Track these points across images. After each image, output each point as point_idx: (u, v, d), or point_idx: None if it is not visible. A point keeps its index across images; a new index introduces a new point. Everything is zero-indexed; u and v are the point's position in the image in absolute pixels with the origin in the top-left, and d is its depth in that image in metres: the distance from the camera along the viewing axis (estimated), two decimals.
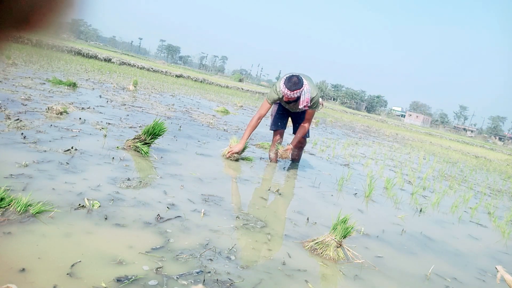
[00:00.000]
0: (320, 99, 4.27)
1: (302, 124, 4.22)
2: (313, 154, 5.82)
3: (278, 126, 4.34)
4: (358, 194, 3.82)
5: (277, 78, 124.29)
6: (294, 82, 3.74)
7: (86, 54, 20.67)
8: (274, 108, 4.38)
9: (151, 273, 1.52)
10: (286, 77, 3.81)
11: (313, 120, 12.10)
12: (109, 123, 4.50)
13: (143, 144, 3.47)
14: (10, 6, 0.29)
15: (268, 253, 1.98)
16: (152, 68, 24.31)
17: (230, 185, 3.16)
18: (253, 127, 4.00)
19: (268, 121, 9.83)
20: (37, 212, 1.78)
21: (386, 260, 2.28)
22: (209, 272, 1.62)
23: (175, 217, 2.14)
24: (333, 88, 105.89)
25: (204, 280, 1.54)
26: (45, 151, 2.85)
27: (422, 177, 6.00)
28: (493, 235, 3.57)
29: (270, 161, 4.43)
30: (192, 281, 1.52)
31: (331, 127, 12.90)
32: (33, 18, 0.31)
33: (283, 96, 3.85)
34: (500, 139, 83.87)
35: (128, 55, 53.26)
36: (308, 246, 2.15)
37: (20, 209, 1.73)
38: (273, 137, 4.39)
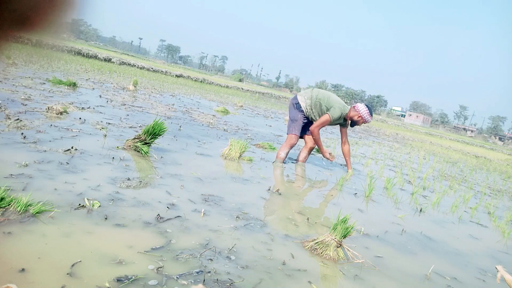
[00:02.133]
0: None
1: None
2: (313, 154, 5.82)
3: (300, 133, 4.67)
4: (358, 194, 3.82)
5: (277, 78, 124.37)
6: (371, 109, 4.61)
7: (86, 54, 20.68)
8: (299, 115, 4.59)
9: (151, 273, 1.52)
10: (366, 107, 4.56)
11: None
12: (109, 123, 4.50)
13: (143, 144, 3.47)
14: (10, 6, 0.29)
15: (268, 253, 1.98)
16: (152, 68, 24.31)
17: (230, 185, 3.16)
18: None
19: (269, 121, 9.84)
20: (37, 212, 1.78)
21: (386, 260, 2.28)
22: (209, 272, 1.62)
23: (175, 217, 2.14)
24: (333, 88, 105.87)
25: (204, 280, 1.54)
26: (45, 151, 2.85)
27: (422, 177, 6.00)
28: (493, 235, 3.57)
29: (278, 160, 4.52)
30: (192, 281, 1.52)
31: (331, 127, 12.89)
32: (33, 18, 0.31)
33: (353, 119, 4.61)
34: (500, 139, 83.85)
35: (128, 55, 53.26)
36: (308, 246, 2.15)
37: (20, 209, 1.73)
38: (291, 141, 4.55)
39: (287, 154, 4.57)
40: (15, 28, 0.30)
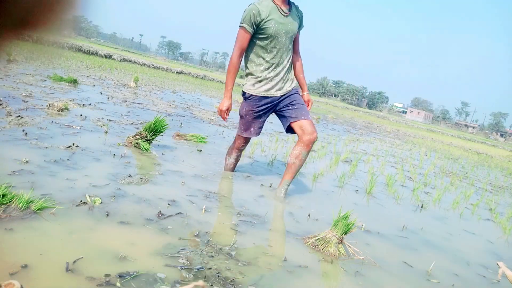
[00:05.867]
0: None
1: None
2: (313, 151, 5.82)
3: (286, 122, 3.01)
4: (359, 191, 3.82)
5: None
6: None
7: (87, 50, 20.65)
8: (244, 108, 3.12)
9: (152, 269, 1.52)
10: None
11: (314, 116, 12.07)
12: (110, 120, 4.50)
13: (144, 141, 3.47)
14: (11, 5, 0.29)
15: (269, 249, 1.99)
16: (153, 65, 24.28)
17: (231, 181, 3.16)
18: (237, 70, 2.99)
19: (269, 117, 9.83)
20: (38, 209, 1.78)
21: (387, 256, 2.29)
22: (210, 268, 1.63)
23: (176, 214, 2.15)
24: (334, 84, 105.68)
25: (205, 276, 1.55)
26: (46, 147, 2.85)
27: (423, 173, 6.00)
28: (495, 232, 3.57)
29: (225, 170, 3.38)
30: (193, 277, 1.52)
31: (332, 124, 12.89)
32: (34, 17, 0.31)
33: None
34: (501, 135, 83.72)
35: (128, 51, 53.19)
36: (309, 242, 2.15)
37: (22, 206, 1.74)
38: (235, 143, 3.23)
39: (236, 159, 3.32)
40: (18, 27, 0.30)
